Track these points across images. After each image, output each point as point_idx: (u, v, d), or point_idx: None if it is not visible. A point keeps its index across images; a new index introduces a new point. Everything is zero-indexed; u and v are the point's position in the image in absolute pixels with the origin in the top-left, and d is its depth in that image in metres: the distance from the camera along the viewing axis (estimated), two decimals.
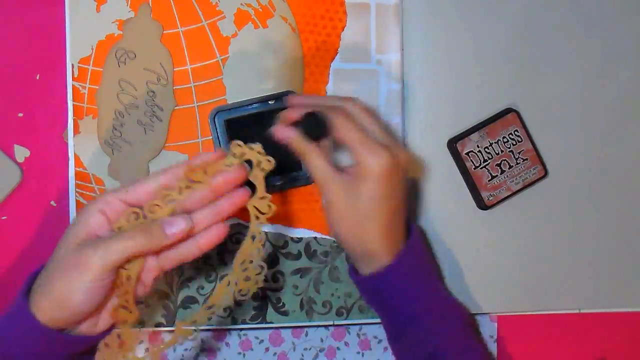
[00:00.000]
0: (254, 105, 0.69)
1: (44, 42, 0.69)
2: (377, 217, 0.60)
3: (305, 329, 0.73)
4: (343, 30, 0.71)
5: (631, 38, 0.75)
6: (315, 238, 0.71)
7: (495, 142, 0.73)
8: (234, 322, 0.70)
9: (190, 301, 0.69)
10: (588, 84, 0.75)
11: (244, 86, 0.69)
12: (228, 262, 0.70)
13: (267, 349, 0.73)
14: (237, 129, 0.68)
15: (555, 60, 0.74)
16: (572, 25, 0.75)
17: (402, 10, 0.72)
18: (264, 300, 0.71)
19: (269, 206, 0.59)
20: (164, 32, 0.68)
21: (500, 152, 0.73)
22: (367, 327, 0.74)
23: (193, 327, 0.59)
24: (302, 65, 0.70)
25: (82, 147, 0.68)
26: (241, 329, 0.73)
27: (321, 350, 0.74)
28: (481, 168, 0.73)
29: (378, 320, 0.68)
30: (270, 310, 0.71)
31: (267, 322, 0.71)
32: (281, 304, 0.71)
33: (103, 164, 0.68)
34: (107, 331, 0.59)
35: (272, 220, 0.70)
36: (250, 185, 0.59)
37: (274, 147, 0.60)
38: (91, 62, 0.68)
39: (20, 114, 0.69)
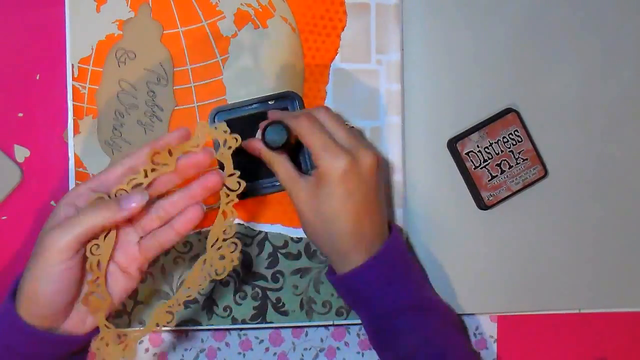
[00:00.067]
0: (254, 106, 0.69)
1: (44, 42, 0.69)
2: (341, 217, 0.61)
3: (305, 329, 0.73)
4: (343, 30, 0.71)
5: (631, 38, 0.75)
6: None
7: (495, 142, 0.73)
8: (234, 322, 0.70)
9: (189, 301, 0.69)
10: (588, 84, 0.75)
11: (244, 86, 0.69)
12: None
13: (267, 349, 0.73)
14: (237, 129, 0.68)
15: (555, 60, 0.74)
16: (572, 25, 0.75)
17: (402, 10, 0.72)
18: (264, 300, 0.71)
19: (238, 183, 0.59)
20: (164, 32, 0.68)
21: (500, 152, 0.73)
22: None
23: (170, 311, 0.59)
24: (302, 65, 0.70)
25: (82, 147, 0.68)
26: (241, 329, 0.73)
27: (321, 350, 0.74)
28: (481, 168, 0.73)
29: None
30: (270, 310, 0.71)
31: (267, 322, 0.71)
32: (281, 304, 0.71)
33: (103, 164, 0.68)
34: (96, 330, 0.59)
35: (272, 220, 0.70)
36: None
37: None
38: (91, 62, 0.68)
39: (20, 114, 0.69)
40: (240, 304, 0.70)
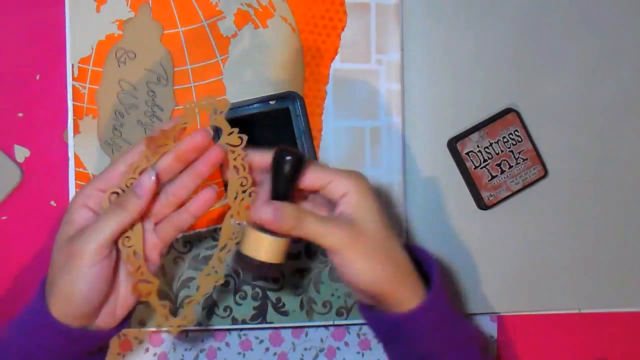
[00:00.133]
0: (254, 105, 0.69)
1: (44, 42, 0.69)
2: (390, 228, 0.58)
3: (305, 329, 0.73)
4: (343, 30, 0.71)
5: (631, 38, 0.75)
6: None
7: (495, 142, 0.73)
8: (234, 322, 0.70)
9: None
10: (588, 84, 0.75)
11: (244, 86, 0.69)
12: (227, 263, 0.70)
13: (267, 349, 0.73)
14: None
15: (555, 60, 0.75)
16: (572, 25, 0.75)
17: (402, 10, 0.72)
18: (264, 300, 0.71)
19: (240, 138, 0.59)
20: (164, 32, 0.68)
21: (500, 152, 0.73)
22: (368, 327, 0.73)
23: (217, 273, 0.61)
24: (302, 65, 0.70)
25: (82, 147, 0.68)
26: (241, 329, 0.73)
27: (321, 350, 0.74)
28: (481, 168, 0.73)
29: None
30: (270, 310, 0.71)
31: (267, 322, 0.71)
32: (281, 304, 0.71)
33: (103, 164, 0.68)
34: (124, 322, 0.60)
35: None
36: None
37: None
38: (91, 62, 0.68)
39: (20, 114, 0.69)
40: (241, 304, 0.70)
